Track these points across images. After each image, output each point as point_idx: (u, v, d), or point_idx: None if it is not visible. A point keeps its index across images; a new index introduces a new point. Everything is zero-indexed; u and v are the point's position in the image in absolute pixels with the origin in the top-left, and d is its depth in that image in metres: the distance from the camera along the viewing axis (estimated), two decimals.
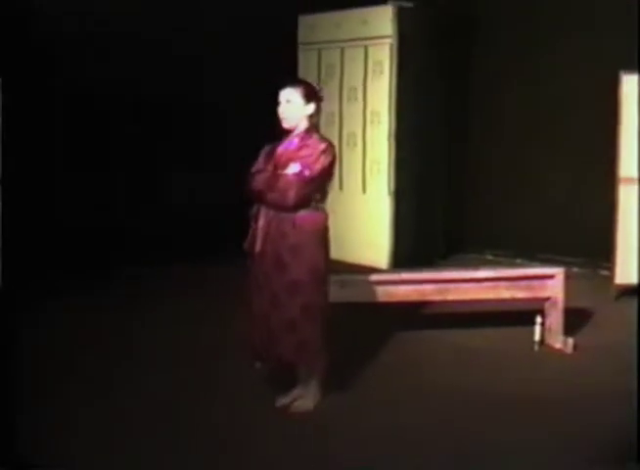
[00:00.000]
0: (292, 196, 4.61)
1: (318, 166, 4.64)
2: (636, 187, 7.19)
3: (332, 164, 4.74)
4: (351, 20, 8.73)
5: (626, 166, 7.23)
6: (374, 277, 5.84)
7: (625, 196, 7.25)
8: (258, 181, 4.70)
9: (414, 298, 5.91)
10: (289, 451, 4.36)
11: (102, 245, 8.10)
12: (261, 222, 4.71)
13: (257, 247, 4.72)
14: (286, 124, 4.74)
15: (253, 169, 4.77)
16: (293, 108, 4.71)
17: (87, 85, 7.99)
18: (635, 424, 4.12)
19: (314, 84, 4.91)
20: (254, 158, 4.85)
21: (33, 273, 7.15)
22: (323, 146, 4.69)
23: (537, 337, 5.98)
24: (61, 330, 6.42)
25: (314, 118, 4.79)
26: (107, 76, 8.10)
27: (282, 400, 4.88)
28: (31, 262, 7.20)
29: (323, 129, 5.05)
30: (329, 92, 4.85)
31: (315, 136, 4.75)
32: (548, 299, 6.02)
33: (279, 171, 4.65)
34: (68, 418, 4.77)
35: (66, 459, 4.25)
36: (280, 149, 4.75)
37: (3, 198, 5.76)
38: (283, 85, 4.76)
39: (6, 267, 5.49)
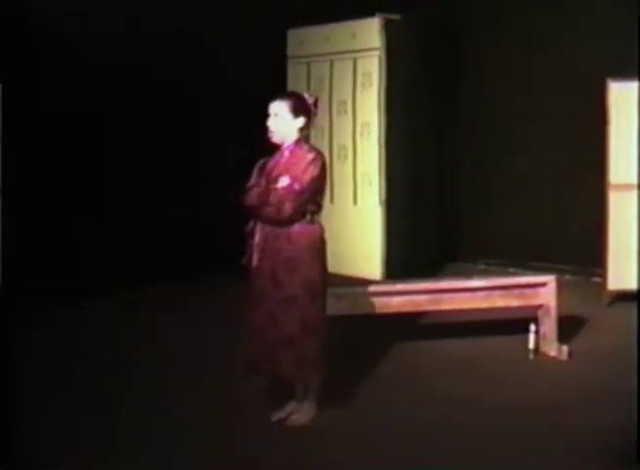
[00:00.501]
0: (284, 210, 4.58)
1: (307, 178, 4.60)
2: (632, 193, 7.22)
3: (322, 174, 4.68)
4: (340, 33, 8.77)
5: (616, 173, 7.29)
6: (369, 289, 5.84)
7: (616, 202, 7.29)
8: (252, 196, 4.68)
9: (409, 308, 5.91)
10: (286, 465, 4.35)
11: (102, 246, 8.09)
12: (257, 238, 4.70)
13: (254, 262, 4.71)
14: (274, 138, 4.72)
15: (247, 185, 4.75)
16: (280, 122, 4.68)
17: (87, 86, 7.94)
18: (635, 426, 4.14)
19: (307, 96, 4.81)
20: (253, 162, 4.83)
21: (33, 275, 7.12)
22: (311, 156, 4.66)
23: (532, 345, 6.00)
24: (61, 331, 6.44)
25: (304, 131, 4.76)
26: (106, 77, 8.07)
27: (277, 415, 4.87)
28: (31, 264, 7.18)
29: (313, 142, 5.04)
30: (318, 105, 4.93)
31: (305, 147, 4.72)
32: (541, 306, 6.05)
33: (271, 186, 4.63)
34: (69, 419, 4.78)
35: (66, 459, 4.26)
36: (271, 163, 4.74)
37: (3, 199, 5.77)
38: (272, 98, 4.73)
39: (6, 269, 5.50)
